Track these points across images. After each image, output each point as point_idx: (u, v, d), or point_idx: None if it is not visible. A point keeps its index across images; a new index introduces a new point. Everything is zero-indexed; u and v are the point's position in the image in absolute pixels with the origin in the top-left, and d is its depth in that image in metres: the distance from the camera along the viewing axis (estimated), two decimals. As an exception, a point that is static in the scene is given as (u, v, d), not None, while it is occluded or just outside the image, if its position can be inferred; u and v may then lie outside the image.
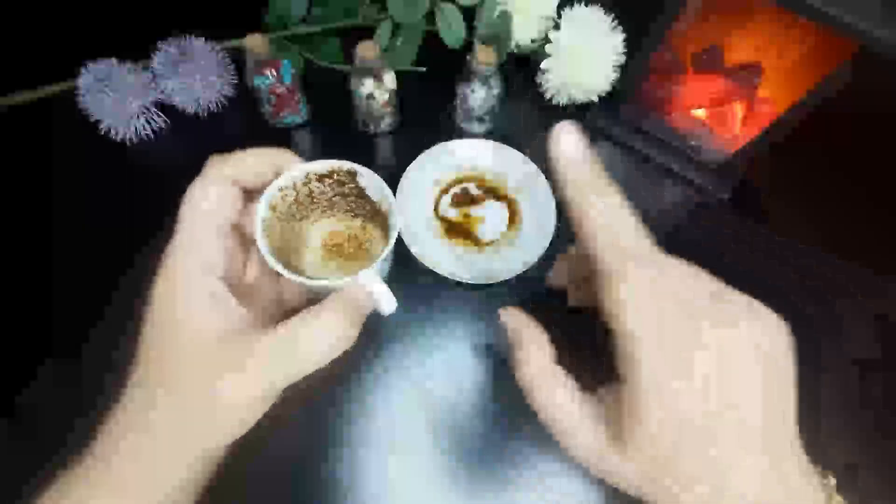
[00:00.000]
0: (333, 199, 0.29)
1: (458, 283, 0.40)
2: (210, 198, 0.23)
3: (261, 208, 0.24)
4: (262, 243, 0.23)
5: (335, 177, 0.27)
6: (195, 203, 0.22)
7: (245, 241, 0.25)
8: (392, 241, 0.25)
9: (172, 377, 0.20)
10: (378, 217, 0.29)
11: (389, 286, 0.24)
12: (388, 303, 0.24)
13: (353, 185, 0.28)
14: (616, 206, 0.19)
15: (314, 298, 0.23)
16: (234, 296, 0.22)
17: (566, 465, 0.35)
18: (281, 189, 0.25)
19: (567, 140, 0.20)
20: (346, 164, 0.26)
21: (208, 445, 0.21)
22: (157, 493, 0.20)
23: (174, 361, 0.20)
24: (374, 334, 0.38)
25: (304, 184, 0.26)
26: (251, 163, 0.24)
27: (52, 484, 0.20)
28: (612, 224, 0.19)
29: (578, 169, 0.20)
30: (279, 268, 0.23)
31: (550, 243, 0.41)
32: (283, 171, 0.25)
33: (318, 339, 0.21)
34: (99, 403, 0.21)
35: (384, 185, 0.27)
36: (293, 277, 0.23)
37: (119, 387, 0.21)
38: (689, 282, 0.18)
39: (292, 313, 0.21)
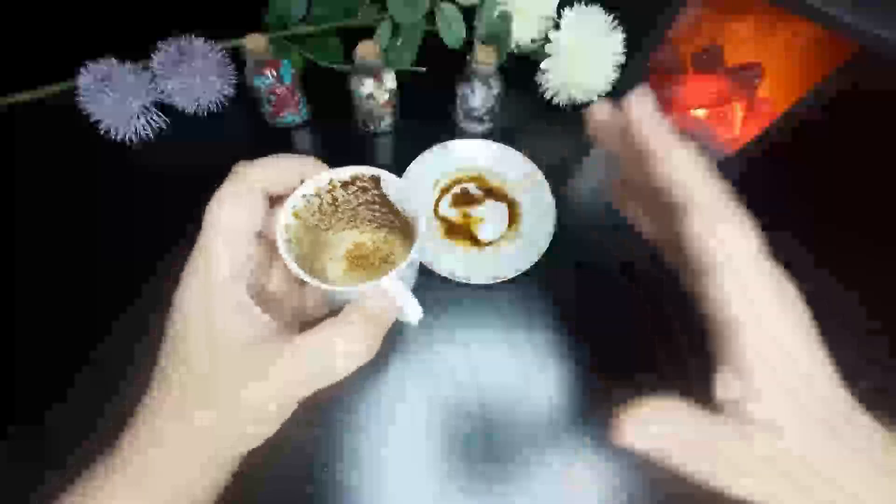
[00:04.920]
0: (358, 208, 0.29)
1: (458, 284, 0.40)
2: (237, 205, 0.22)
3: (284, 214, 0.24)
4: (283, 249, 0.23)
5: (358, 183, 0.27)
6: (222, 210, 0.22)
7: (270, 248, 0.25)
8: (416, 246, 0.24)
9: (196, 384, 0.20)
10: (401, 226, 0.29)
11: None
12: (414, 311, 0.24)
13: (376, 192, 0.27)
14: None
15: (335, 310, 0.23)
16: (257, 304, 0.22)
17: (582, 465, 0.35)
18: (305, 196, 0.25)
19: (643, 102, 0.19)
20: (370, 170, 0.26)
21: (225, 451, 0.21)
22: (175, 488, 0.20)
23: (198, 368, 0.20)
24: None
25: (329, 191, 0.26)
26: (277, 169, 0.24)
27: (76, 480, 0.20)
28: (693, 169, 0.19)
29: (658, 124, 0.19)
30: (302, 274, 0.22)
31: (550, 243, 0.41)
32: (309, 178, 0.25)
33: (339, 352, 0.21)
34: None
35: (408, 189, 0.26)
36: (316, 283, 0.22)
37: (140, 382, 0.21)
38: None
39: (311, 324, 0.21)
